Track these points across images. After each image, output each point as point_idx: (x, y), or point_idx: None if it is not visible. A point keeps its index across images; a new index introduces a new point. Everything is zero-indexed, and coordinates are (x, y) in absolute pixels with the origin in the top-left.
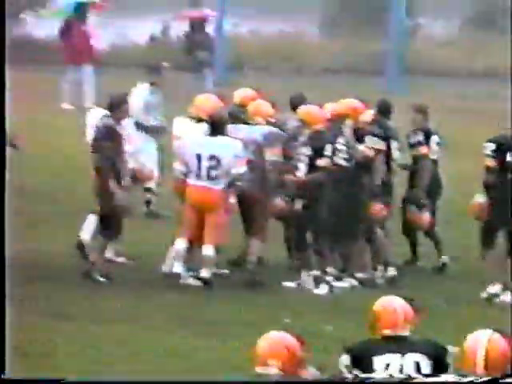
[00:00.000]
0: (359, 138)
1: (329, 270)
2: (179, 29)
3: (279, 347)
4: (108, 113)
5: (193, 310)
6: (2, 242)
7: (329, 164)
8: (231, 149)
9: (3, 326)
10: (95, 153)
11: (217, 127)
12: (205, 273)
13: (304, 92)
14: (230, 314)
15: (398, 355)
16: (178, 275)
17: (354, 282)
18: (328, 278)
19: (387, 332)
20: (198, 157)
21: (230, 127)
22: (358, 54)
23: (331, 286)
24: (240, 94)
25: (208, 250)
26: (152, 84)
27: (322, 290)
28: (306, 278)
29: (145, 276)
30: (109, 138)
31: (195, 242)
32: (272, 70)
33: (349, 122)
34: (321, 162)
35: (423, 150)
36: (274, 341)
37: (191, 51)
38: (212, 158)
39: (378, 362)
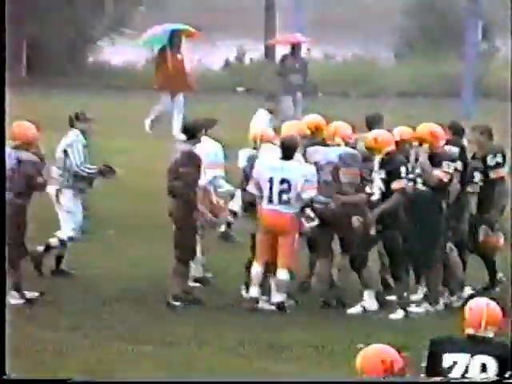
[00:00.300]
0: (436, 163)
1: (405, 294)
2: (254, 54)
3: (375, 360)
4: (185, 138)
5: (266, 333)
6: (2, 243)
7: (405, 185)
8: (302, 173)
9: (3, 326)
10: (177, 178)
11: (288, 151)
12: (278, 297)
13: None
14: (302, 337)
15: (468, 356)
16: (255, 299)
17: (430, 308)
18: (403, 303)
19: (470, 331)
20: (271, 180)
21: (308, 150)
22: (433, 78)
23: (407, 312)
24: (308, 120)
25: (281, 273)
26: (270, 112)
27: (398, 314)
28: (368, 298)
29: (217, 299)
30: (190, 164)
31: (270, 266)
32: (347, 95)
33: (425, 147)
34: (396, 185)
35: (502, 172)
36: (371, 354)
37: (285, 75)
38: (283, 181)
39: (447, 359)
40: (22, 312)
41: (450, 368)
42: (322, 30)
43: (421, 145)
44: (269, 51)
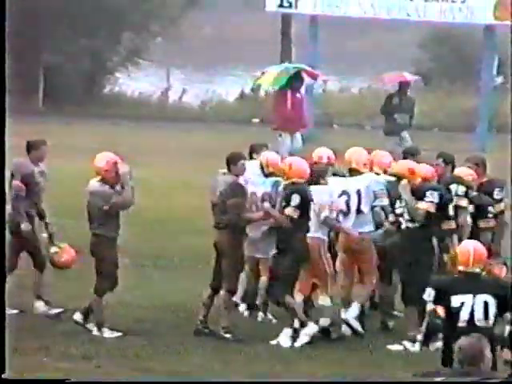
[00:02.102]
0: (419, 196)
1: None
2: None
3: None
4: (226, 170)
5: (279, 365)
6: (2, 244)
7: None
8: (319, 196)
9: (3, 326)
10: (224, 210)
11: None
12: (322, 321)
13: (394, 148)
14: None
15: (471, 296)
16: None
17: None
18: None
19: (461, 268)
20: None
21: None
22: (448, 111)
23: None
24: (317, 153)
25: (321, 299)
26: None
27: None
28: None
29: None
30: (237, 194)
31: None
32: (362, 127)
33: (405, 181)
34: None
35: (503, 206)
36: None
37: (391, 114)
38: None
39: (455, 300)
40: (31, 341)
41: (459, 308)
42: (337, 63)
43: (399, 181)
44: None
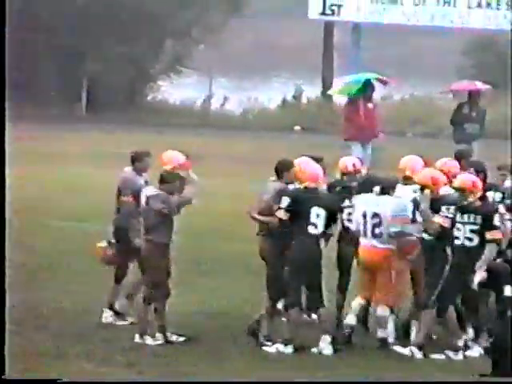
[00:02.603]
0: (436, 209)
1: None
2: (311, 93)
3: None
4: (275, 177)
5: (320, 372)
6: (2, 245)
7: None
8: (392, 207)
9: (3, 326)
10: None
11: (386, 188)
12: (380, 333)
13: (435, 155)
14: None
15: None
16: (350, 326)
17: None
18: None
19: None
20: (364, 215)
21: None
22: (491, 118)
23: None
24: (342, 162)
25: (381, 310)
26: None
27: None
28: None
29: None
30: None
31: (372, 302)
32: (403, 134)
33: (426, 192)
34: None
35: None
36: None
37: (461, 123)
38: (375, 215)
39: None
40: (73, 345)
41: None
42: (379, 70)
43: (422, 190)
44: (326, 90)
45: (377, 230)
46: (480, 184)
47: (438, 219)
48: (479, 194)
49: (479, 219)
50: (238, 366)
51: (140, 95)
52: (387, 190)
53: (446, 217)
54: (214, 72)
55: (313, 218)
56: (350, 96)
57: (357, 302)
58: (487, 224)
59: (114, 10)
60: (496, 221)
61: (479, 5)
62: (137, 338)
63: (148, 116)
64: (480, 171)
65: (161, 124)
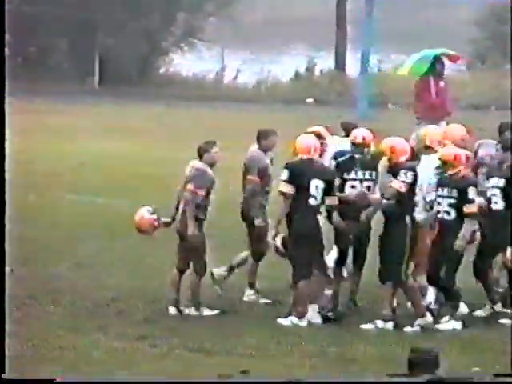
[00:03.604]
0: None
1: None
2: (324, 65)
3: None
4: None
5: (333, 346)
6: (2, 246)
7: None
8: (424, 177)
9: (3, 326)
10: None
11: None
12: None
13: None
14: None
15: None
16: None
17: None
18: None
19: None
20: None
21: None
22: (505, 90)
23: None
24: (353, 134)
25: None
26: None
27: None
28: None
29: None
30: None
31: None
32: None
33: (384, 160)
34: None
35: None
36: None
37: None
38: None
39: None
40: (88, 320)
41: None
42: (392, 42)
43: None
44: (339, 62)
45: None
46: (463, 158)
47: (394, 184)
48: (460, 168)
49: (455, 193)
50: (253, 342)
51: (152, 68)
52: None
53: (403, 181)
54: (227, 45)
55: (312, 190)
56: (421, 75)
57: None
58: (463, 197)
59: None
60: (471, 194)
61: None
62: (192, 311)
63: (161, 89)
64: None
65: (173, 96)
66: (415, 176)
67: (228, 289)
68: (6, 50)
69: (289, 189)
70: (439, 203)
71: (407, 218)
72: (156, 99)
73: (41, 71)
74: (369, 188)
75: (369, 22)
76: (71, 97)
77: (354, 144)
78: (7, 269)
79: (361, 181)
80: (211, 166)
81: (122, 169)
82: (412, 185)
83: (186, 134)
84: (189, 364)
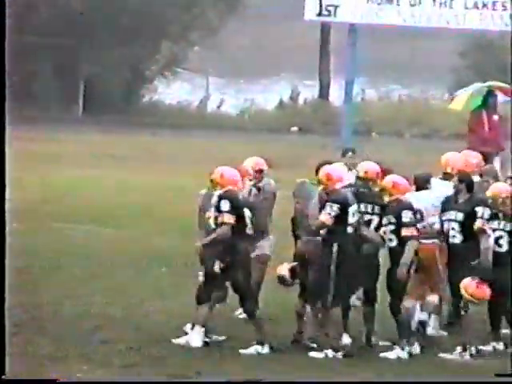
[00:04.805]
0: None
1: None
2: (308, 94)
3: None
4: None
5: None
6: (2, 246)
7: None
8: (431, 201)
9: (3, 326)
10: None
11: (422, 183)
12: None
13: (432, 156)
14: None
15: None
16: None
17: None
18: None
19: None
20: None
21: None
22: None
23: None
24: (364, 167)
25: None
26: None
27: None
28: None
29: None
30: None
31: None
32: (401, 135)
33: (319, 189)
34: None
35: None
36: None
37: None
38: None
39: None
40: (72, 348)
41: None
42: (376, 71)
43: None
44: (323, 91)
45: (419, 226)
46: (404, 186)
47: (321, 217)
48: (399, 195)
49: (393, 218)
50: (231, 370)
51: (136, 96)
52: (424, 185)
53: (329, 214)
54: (211, 74)
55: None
56: (474, 109)
57: (408, 304)
58: (400, 222)
59: (111, 12)
60: (405, 217)
61: (475, 6)
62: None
63: (144, 117)
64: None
65: (157, 125)
66: (342, 207)
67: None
68: None
69: (232, 220)
70: (384, 232)
71: (335, 247)
72: (140, 127)
73: (25, 98)
74: (369, 222)
75: (352, 51)
76: (56, 124)
77: (358, 178)
78: None
79: (361, 214)
80: None
81: (108, 196)
82: (339, 216)
83: (171, 161)
84: None
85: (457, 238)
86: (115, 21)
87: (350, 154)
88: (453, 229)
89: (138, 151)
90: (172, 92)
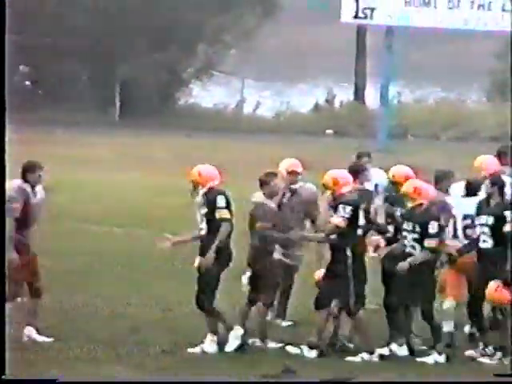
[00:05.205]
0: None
1: None
2: (344, 96)
3: None
4: None
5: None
6: (2, 245)
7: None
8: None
9: (3, 326)
10: None
11: (472, 188)
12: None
13: (467, 159)
14: None
15: None
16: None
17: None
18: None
19: None
20: (454, 217)
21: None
22: None
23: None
24: (394, 171)
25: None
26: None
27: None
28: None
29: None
30: None
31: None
32: (437, 138)
33: (326, 194)
34: None
35: None
36: None
37: None
38: (466, 217)
39: None
40: (108, 350)
41: None
42: (413, 74)
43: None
44: (359, 94)
45: (468, 231)
46: (426, 191)
47: (334, 220)
48: (421, 201)
49: (418, 227)
50: (264, 371)
51: (173, 99)
52: (475, 190)
53: (343, 217)
54: (247, 76)
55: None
56: None
57: (449, 304)
58: (424, 232)
59: (147, 14)
60: (431, 229)
61: None
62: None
63: (181, 120)
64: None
65: (193, 128)
66: (355, 210)
67: None
68: (28, 82)
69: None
70: (405, 237)
71: (348, 251)
72: (176, 130)
73: (62, 102)
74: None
75: (389, 54)
76: (92, 127)
77: (389, 181)
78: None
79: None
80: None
81: (144, 198)
82: (352, 218)
83: (208, 164)
84: None
85: (488, 243)
86: (152, 23)
87: (366, 158)
88: (484, 233)
89: (173, 154)
90: (208, 95)
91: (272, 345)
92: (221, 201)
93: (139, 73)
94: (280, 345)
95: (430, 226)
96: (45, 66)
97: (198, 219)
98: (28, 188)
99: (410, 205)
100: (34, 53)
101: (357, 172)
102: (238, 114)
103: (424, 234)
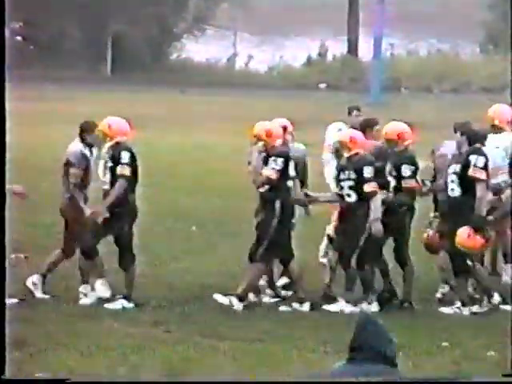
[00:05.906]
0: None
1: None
2: (336, 50)
3: None
4: None
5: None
6: (2, 245)
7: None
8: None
9: (3, 327)
10: None
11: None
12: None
13: (460, 111)
14: None
15: None
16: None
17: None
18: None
19: None
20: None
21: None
22: None
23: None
24: (386, 128)
25: None
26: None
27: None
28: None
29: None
30: None
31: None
32: (430, 90)
33: (259, 145)
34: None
35: None
36: None
37: None
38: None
39: None
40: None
41: None
42: (405, 26)
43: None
44: (351, 47)
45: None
46: (361, 141)
47: (265, 171)
48: (357, 150)
49: (353, 174)
50: (265, 327)
51: (164, 54)
52: (480, 142)
53: (273, 168)
54: (239, 30)
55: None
56: None
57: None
58: (360, 178)
59: None
60: (367, 173)
61: None
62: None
63: (172, 75)
64: None
65: (185, 83)
66: (286, 162)
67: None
68: (19, 38)
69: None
70: (342, 187)
71: (277, 204)
72: (168, 85)
73: (53, 58)
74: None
75: (381, 6)
76: (84, 83)
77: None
78: (22, 256)
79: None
80: None
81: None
82: (283, 170)
83: (199, 119)
84: (202, 349)
85: (455, 191)
86: None
87: (356, 112)
88: (452, 181)
89: (165, 110)
90: (200, 49)
91: (266, 299)
92: (125, 156)
93: (131, 28)
94: (275, 299)
95: (364, 170)
96: (36, 23)
97: (99, 173)
98: (87, 152)
99: (345, 155)
100: (26, 9)
101: (369, 127)
102: (231, 68)
103: (360, 180)
